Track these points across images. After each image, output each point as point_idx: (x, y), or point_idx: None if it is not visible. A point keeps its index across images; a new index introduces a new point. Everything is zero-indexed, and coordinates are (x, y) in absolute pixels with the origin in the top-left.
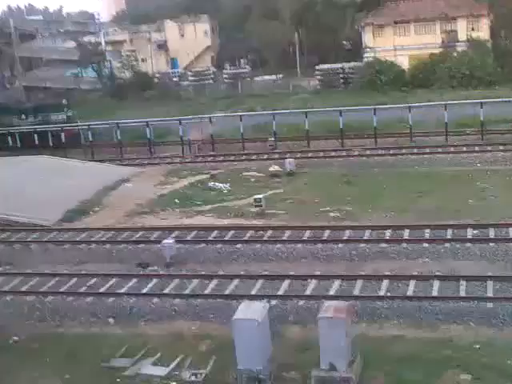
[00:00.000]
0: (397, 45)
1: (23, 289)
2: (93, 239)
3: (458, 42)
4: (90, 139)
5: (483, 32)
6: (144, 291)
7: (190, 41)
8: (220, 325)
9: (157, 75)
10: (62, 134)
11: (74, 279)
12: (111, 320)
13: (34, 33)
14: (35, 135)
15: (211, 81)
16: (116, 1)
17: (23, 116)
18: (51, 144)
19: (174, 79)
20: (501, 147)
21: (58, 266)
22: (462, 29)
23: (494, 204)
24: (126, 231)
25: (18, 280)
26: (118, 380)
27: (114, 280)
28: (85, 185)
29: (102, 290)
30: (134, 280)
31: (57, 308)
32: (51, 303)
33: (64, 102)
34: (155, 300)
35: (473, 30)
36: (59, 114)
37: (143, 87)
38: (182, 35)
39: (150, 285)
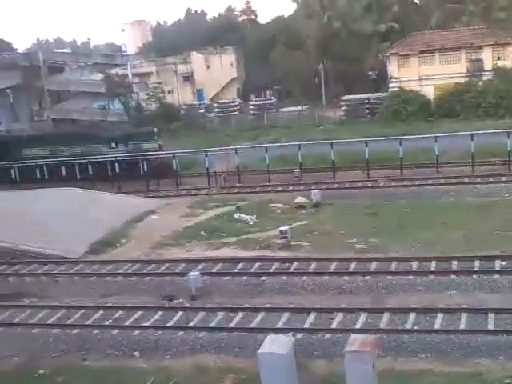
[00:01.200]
0: (422, 75)
1: (49, 321)
2: (119, 271)
3: (484, 70)
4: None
5: (509, 61)
6: (169, 324)
7: (215, 72)
8: (245, 358)
9: (183, 107)
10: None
11: (100, 312)
12: (136, 353)
13: (62, 65)
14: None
15: (237, 112)
16: (142, 33)
17: (113, 144)
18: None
19: (200, 111)
20: None
21: (84, 298)
22: (487, 57)
23: None
24: (151, 263)
25: (44, 312)
26: None
27: (139, 313)
28: (111, 217)
29: (127, 322)
30: (160, 313)
31: (82, 341)
32: (77, 336)
33: (155, 130)
34: (180, 333)
35: (498, 58)
36: (151, 143)
37: (169, 119)
38: (208, 67)
39: (175, 318)
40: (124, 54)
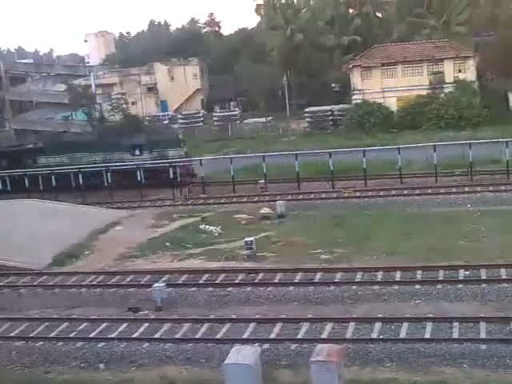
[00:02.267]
0: (385, 87)
1: (12, 334)
2: (83, 283)
3: (445, 83)
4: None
5: (470, 73)
6: (135, 336)
7: (179, 83)
8: (211, 370)
9: (147, 118)
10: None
11: (65, 324)
12: (101, 365)
13: (24, 76)
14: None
15: (201, 123)
16: (105, 44)
17: (137, 152)
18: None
19: (164, 122)
20: (490, 188)
21: (48, 310)
22: (448, 70)
23: (484, 245)
24: (116, 275)
25: (7, 325)
26: None
27: (104, 324)
28: (74, 229)
29: (92, 334)
30: (125, 324)
31: (46, 353)
32: (40, 348)
33: (180, 136)
34: (146, 345)
35: (459, 71)
36: (177, 150)
37: (133, 130)
38: (172, 78)
39: (140, 329)
40: (87, 64)
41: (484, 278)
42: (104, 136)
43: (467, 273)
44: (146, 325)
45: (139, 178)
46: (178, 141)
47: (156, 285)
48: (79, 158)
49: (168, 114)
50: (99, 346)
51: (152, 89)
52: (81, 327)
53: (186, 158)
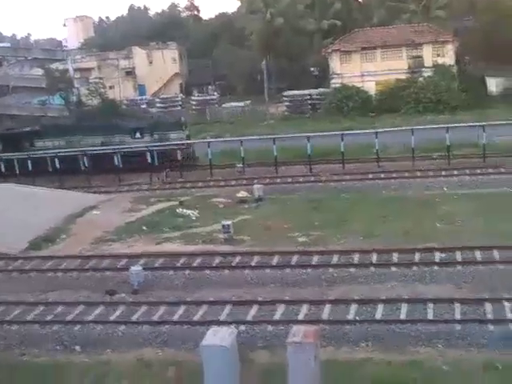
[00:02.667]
0: (364, 71)
1: None
2: (59, 267)
3: (424, 67)
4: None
5: (448, 58)
6: (111, 319)
7: (158, 68)
8: (188, 351)
9: (125, 102)
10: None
11: (41, 307)
12: (77, 348)
13: (0, 60)
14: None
15: (179, 107)
16: (84, 28)
17: (138, 135)
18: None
19: (142, 106)
20: (467, 171)
21: (24, 294)
22: (427, 55)
23: (460, 228)
24: (93, 259)
25: None
26: None
27: (80, 308)
28: (51, 212)
29: (68, 317)
30: (101, 307)
31: (22, 336)
32: (16, 332)
33: (182, 119)
34: (122, 327)
35: (438, 55)
36: (179, 133)
37: (111, 114)
38: (150, 62)
39: (117, 312)
40: (65, 49)
41: (459, 260)
42: (104, 119)
43: (443, 255)
44: (123, 308)
45: (116, 163)
46: (180, 123)
47: (133, 268)
48: (78, 141)
49: (146, 98)
50: (75, 328)
51: (130, 73)
52: (57, 311)
53: (189, 141)
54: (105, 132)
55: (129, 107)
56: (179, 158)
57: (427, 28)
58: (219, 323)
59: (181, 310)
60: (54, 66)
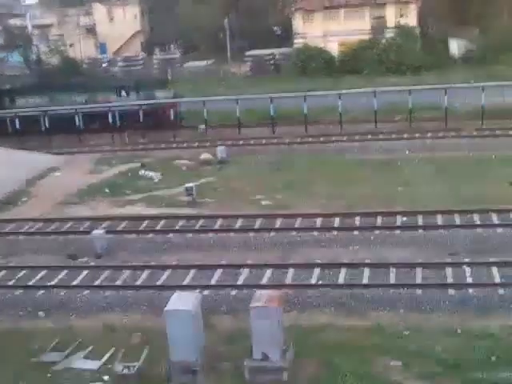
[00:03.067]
0: (327, 31)
1: None
2: (21, 230)
3: (387, 28)
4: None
5: (411, 19)
6: (74, 283)
7: (119, 25)
8: (153, 316)
9: (85, 61)
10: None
11: (2, 272)
12: (41, 313)
13: None
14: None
15: (141, 66)
16: None
17: (123, 93)
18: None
19: (103, 65)
20: (429, 134)
21: None
22: (390, 15)
23: (421, 191)
24: (54, 222)
25: None
26: (49, 375)
27: (43, 272)
28: (11, 174)
29: (31, 282)
30: (64, 272)
31: None
32: None
33: (169, 77)
34: (86, 292)
35: (401, 16)
36: (164, 91)
37: (71, 73)
38: (111, 19)
39: (80, 277)
40: (23, 3)
41: (421, 224)
42: (89, 77)
43: (405, 219)
44: (86, 272)
45: (77, 123)
46: (165, 82)
47: (95, 232)
48: (61, 99)
49: (107, 57)
50: (38, 293)
51: (91, 30)
52: (19, 275)
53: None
54: (90, 90)
55: (89, 66)
56: (172, 117)
57: None
58: (183, 288)
59: (144, 274)
60: (12, 21)
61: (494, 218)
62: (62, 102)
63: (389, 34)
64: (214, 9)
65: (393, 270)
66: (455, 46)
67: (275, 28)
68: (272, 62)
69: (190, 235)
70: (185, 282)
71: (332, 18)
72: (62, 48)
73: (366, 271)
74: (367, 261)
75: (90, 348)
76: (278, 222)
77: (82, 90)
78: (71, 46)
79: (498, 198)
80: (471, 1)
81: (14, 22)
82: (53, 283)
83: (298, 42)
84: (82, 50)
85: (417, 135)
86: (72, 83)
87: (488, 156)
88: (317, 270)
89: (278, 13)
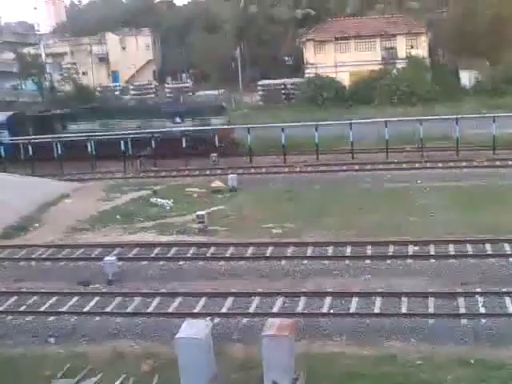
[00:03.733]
0: (338, 61)
1: None
2: (32, 256)
3: (398, 59)
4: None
5: (422, 49)
6: (85, 310)
7: (131, 54)
8: (163, 344)
9: (98, 88)
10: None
11: (14, 297)
12: (52, 339)
13: None
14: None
15: (153, 95)
16: (56, 12)
17: (177, 119)
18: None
19: (116, 93)
20: (440, 164)
21: None
22: (401, 46)
23: (433, 220)
24: (66, 248)
25: None
26: None
27: (54, 298)
28: (24, 200)
29: (42, 308)
30: (76, 298)
31: None
32: None
33: (224, 104)
34: (97, 318)
35: (412, 47)
36: (220, 118)
37: (85, 101)
38: (124, 48)
39: (91, 303)
40: (37, 33)
41: (433, 253)
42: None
43: (416, 248)
44: (97, 299)
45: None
46: (220, 108)
47: (107, 258)
48: (113, 125)
49: (119, 85)
50: (49, 319)
51: (103, 59)
52: (30, 301)
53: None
54: (144, 116)
55: (102, 94)
56: (216, 143)
57: (401, 19)
58: (194, 315)
59: (155, 301)
60: (26, 50)
61: (507, 248)
62: (113, 127)
63: (399, 65)
64: (226, 38)
65: (404, 300)
66: (466, 77)
67: (286, 58)
68: (283, 91)
69: (201, 263)
70: (196, 310)
71: (343, 49)
72: (75, 76)
73: (378, 300)
74: (379, 290)
75: (100, 375)
76: (290, 250)
77: (137, 116)
78: (84, 74)
79: (510, 227)
80: (481, 33)
81: (28, 50)
82: (63, 309)
83: (310, 71)
84: (95, 78)
85: (428, 165)
86: (126, 109)
87: (499, 185)
88: (328, 299)
89: (289, 43)
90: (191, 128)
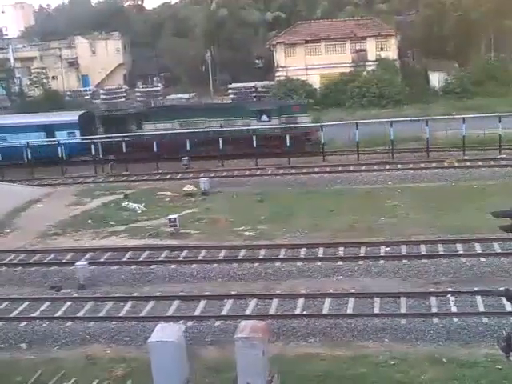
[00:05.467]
0: (308, 64)
1: None
2: (3, 262)
3: (368, 61)
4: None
5: (391, 52)
6: (57, 315)
7: (101, 58)
8: (136, 347)
9: (68, 93)
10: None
11: None
12: (23, 345)
13: None
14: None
15: (123, 99)
16: (24, 16)
17: (264, 117)
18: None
19: (86, 97)
20: (410, 165)
21: None
22: (371, 48)
23: (404, 221)
24: (37, 253)
25: None
26: None
27: (25, 304)
28: None
29: (13, 314)
30: (47, 303)
31: None
32: None
33: (306, 102)
34: (69, 323)
35: (381, 49)
36: (305, 116)
37: (54, 105)
38: (94, 52)
39: (63, 308)
40: (5, 37)
41: (404, 253)
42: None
43: (388, 249)
44: (69, 303)
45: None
46: (305, 106)
47: (78, 263)
48: (193, 124)
49: (90, 89)
50: (21, 325)
51: (73, 63)
52: (1, 306)
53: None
54: (226, 114)
55: (72, 98)
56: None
57: (371, 22)
58: (167, 319)
59: (128, 305)
60: None
61: (477, 248)
62: (193, 126)
63: (370, 67)
64: (196, 42)
65: (377, 300)
66: (435, 79)
67: (257, 61)
68: (254, 94)
69: (174, 266)
70: (168, 313)
71: (313, 52)
72: (45, 81)
73: (351, 301)
74: (351, 291)
75: (73, 380)
76: (262, 253)
77: (218, 115)
78: (54, 78)
79: (480, 227)
80: (449, 35)
81: None
82: (35, 315)
83: (280, 74)
84: (65, 82)
85: (399, 166)
86: (207, 107)
87: (469, 185)
88: (301, 300)
89: (259, 46)
90: (278, 126)
